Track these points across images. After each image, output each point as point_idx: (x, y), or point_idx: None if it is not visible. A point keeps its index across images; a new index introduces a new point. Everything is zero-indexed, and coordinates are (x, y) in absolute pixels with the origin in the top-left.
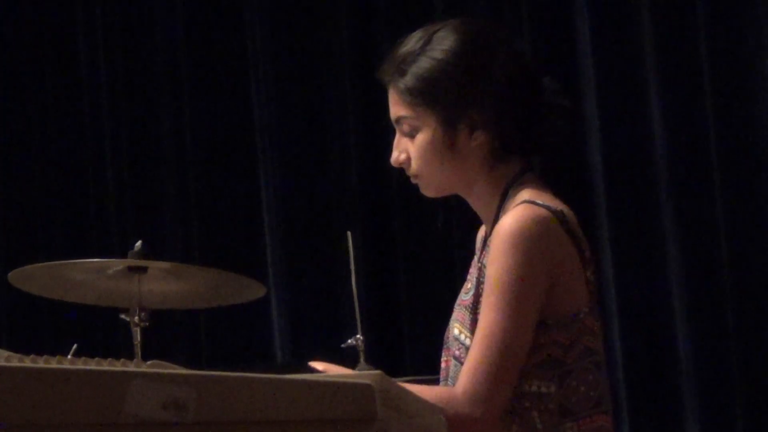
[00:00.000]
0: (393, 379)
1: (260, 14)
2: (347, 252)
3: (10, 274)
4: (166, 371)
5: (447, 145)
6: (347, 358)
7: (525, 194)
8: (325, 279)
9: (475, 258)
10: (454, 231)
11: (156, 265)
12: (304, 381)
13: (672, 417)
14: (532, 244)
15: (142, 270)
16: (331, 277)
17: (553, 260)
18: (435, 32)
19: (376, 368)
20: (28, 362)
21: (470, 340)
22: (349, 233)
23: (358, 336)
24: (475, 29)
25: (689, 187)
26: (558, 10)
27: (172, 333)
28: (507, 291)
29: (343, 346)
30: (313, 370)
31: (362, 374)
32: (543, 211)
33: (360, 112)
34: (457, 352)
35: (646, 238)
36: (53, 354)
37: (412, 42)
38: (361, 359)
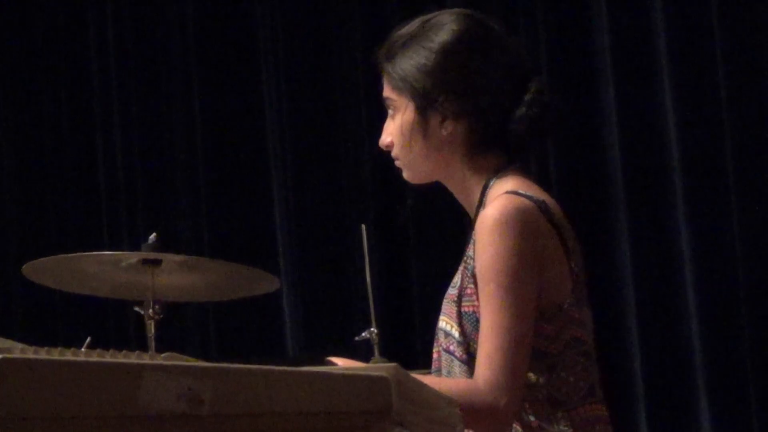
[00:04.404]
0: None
1: (271, 6)
2: (361, 246)
3: (24, 267)
4: (181, 363)
5: (419, 130)
6: (360, 352)
7: (507, 185)
8: (337, 272)
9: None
10: (465, 223)
11: (170, 258)
12: (319, 373)
13: (687, 409)
14: (518, 231)
15: (156, 263)
16: (343, 270)
17: (537, 249)
18: (428, 20)
19: (390, 361)
20: (42, 354)
21: (458, 332)
22: (363, 227)
23: (372, 329)
24: (468, 23)
25: (705, 184)
26: (574, 3)
27: (185, 325)
28: (504, 278)
29: (357, 339)
30: (331, 365)
31: (378, 366)
32: (525, 201)
33: (372, 105)
34: (451, 347)
35: (664, 232)
36: (67, 346)
37: (405, 28)
38: (376, 352)
